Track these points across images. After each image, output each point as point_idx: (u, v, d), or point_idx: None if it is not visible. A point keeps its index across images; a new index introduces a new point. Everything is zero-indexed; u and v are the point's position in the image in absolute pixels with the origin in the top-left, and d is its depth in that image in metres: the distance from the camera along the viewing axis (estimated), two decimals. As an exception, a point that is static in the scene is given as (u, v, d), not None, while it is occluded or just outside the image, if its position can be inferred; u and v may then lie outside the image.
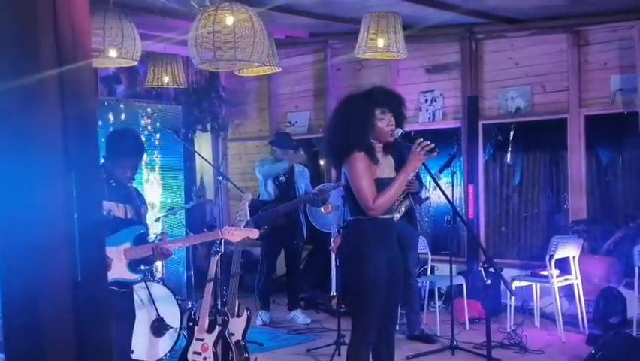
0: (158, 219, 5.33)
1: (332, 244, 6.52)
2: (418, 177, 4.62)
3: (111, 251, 3.51)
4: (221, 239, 4.77)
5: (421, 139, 3.51)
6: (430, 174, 3.69)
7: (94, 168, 1.05)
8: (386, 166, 3.66)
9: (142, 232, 3.67)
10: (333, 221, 6.91)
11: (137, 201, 3.69)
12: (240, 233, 4.00)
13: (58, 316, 0.84)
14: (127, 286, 3.63)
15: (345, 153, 3.55)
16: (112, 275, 3.47)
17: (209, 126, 9.09)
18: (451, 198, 4.09)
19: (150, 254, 3.59)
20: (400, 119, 3.67)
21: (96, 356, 0.87)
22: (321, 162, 8.61)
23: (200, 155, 6.39)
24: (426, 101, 7.54)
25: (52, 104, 0.92)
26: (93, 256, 0.88)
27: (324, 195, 6.49)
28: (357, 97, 3.66)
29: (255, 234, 4.15)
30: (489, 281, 3.28)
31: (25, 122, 0.88)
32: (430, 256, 6.73)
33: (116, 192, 3.62)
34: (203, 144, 9.22)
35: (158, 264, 6.06)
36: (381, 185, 3.53)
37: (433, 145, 3.47)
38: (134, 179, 3.68)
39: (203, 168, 9.36)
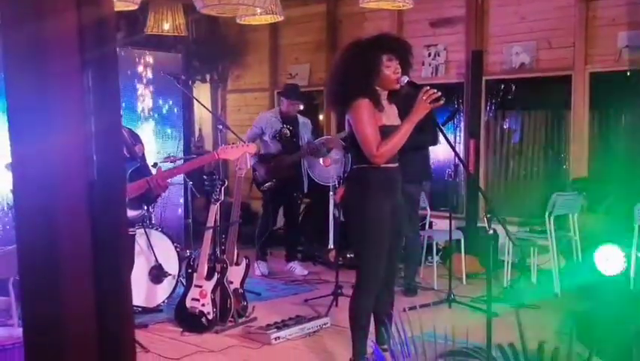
0: (155, 165, 5.27)
1: (334, 194, 6.51)
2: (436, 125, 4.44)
3: None
4: (221, 186, 4.76)
5: (428, 87, 3.46)
6: (437, 123, 3.65)
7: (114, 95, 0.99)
8: (391, 114, 3.61)
9: (137, 167, 3.61)
10: (333, 174, 6.88)
11: (129, 140, 3.62)
12: (236, 150, 3.92)
13: (74, 217, 0.81)
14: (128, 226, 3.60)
15: (349, 99, 3.49)
16: None
17: (208, 77, 9.00)
18: (457, 151, 4.04)
19: (147, 188, 3.55)
20: (406, 67, 3.61)
21: (113, 260, 0.84)
22: (321, 117, 8.55)
23: (199, 101, 6.31)
24: (429, 55, 7.44)
25: (71, 43, 0.87)
26: (109, 154, 0.84)
27: (329, 145, 6.45)
28: (363, 42, 3.58)
29: (252, 148, 4.06)
30: (492, 231, 3.25)
31: (44, 60, 0.83)
32: (429, 212, 6.74)
33: None
34: (202, 95, 9.13)
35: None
36: (386, 132, 3.48)
37: (439, 94, 3.42)
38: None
39: (202, 120, 9.30)
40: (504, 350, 1.19)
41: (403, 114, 3.57)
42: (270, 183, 6.44)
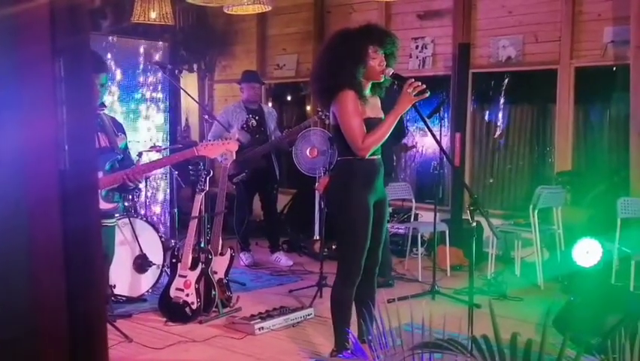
0: (140, 154, 5.26)
1: (317, 184, 6.51)
2: (402, 123, 4.56)
3: None
4: (206, 176, 4.76)
5: (412, 79, 3.47)
6: (421, 116, 3.65)
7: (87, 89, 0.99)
8: (374, 106, 3.62)
9: (116, 159, 3.58)
10: (319, 165, 6.88)
11: (111, 129, 3.59)
12: (216, 147, 3.89)
13: (44, 206, 0.80)
14: (107, 218, 3.58)
15: (335, 89, 3.49)
16: None
17: (195, 67, 8.97)
18: (441, 145, 4.05)
19: (122, 182, 3.52)
20: (391, 60, 3.61)
21: (84, 247, 0.84)
22: (308, 107, 8.54)
23: (185, 91, 6.29)
24: (416, 47, 7.45)
25: (42, 33, 0.86)
26: (81, 144, 0.84)
27: (291, 137, 6.46)
28: (350, 32, 3.58)
29: (233, 146, 4.04)
30: (474, 224, 3.26)
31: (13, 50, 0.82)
32: (414, 203, 6.76)
33: None
34: (189, 85, 9.09)
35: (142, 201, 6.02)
36: (370, 125, 3.49)
37: (424, 86, 3.43)
38: (104, 106, 3.57)
39: (189, 109, 9.26)
40: (477, 341, 1.20)
41: (389, 107, 3.57)
42: (241, 175, 6.44)
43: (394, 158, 6.26)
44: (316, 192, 6.75)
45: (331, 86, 3.50)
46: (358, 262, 3.53)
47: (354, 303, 3.64)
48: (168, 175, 6.85)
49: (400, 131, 5.62)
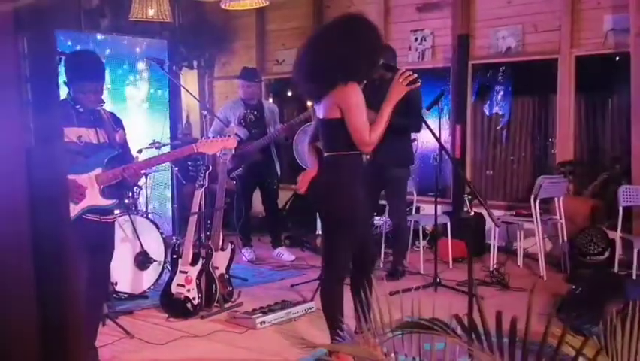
0: (140, 151, 5.26)
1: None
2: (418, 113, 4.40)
3: (83, 179, 3.41)
4: (205, 171, 4.76)
5: (404, 69, 3.44)
6: (420, 110, 3.62)
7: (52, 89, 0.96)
8: None
9: (114, 155, 3.57)
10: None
11: (110, 125, 3.57)
12: (215, 144, 3.88)
13: (10, 188, 0.78)
14: (106, 214, 3.58)
15: (343, 80, 3.30)
16: (86, 203, 3.41)
17: (195, 63, 8.96)
18: (437, 136, 4.00)
19: (121, 177, 3.51)
20: None
21: (54, 231, 0.82)
22: (309, 103, 8.52)
23: (184, 87, 6.29)
24: (416, 40, 7.42)
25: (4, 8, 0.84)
26: (46, 123, 0.82)
27: (288, 131, 6.44)
28: (367, 21, 3.41)
29: (232, 143, 4.03)
30: (472, 213, 3.25)
31: None
32: (415, 196, 6.74)
33: (85, 118, 3.49)
34: (189, 82, 9.08)
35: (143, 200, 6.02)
36: None
37: (415, 76, 3.40)
38: (103, 102, 3.56)
39: (190, 107, 9.25)
40: (462, 322, 1.19)
41: (380, 98, 3.52)
42: (238, 170, 6.43)
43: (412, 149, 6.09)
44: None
45: (342, 75, 3.29)
46: (347, 258, 3.51)
47: (352, 298, 3.61)
48: (169, 172, 6.85)
49: (417, 120, 5.37)
